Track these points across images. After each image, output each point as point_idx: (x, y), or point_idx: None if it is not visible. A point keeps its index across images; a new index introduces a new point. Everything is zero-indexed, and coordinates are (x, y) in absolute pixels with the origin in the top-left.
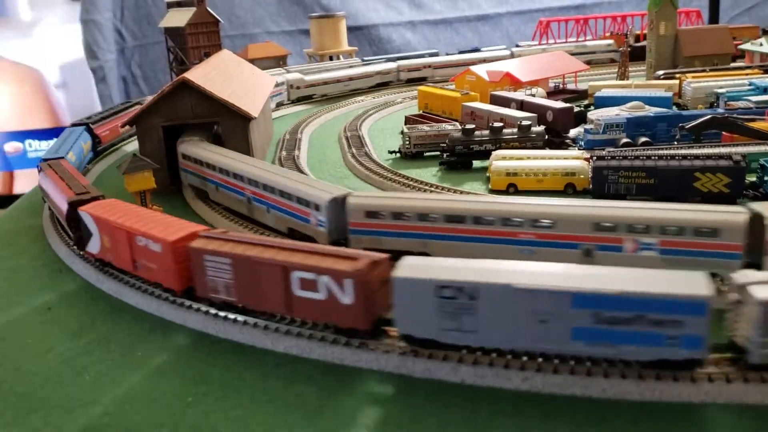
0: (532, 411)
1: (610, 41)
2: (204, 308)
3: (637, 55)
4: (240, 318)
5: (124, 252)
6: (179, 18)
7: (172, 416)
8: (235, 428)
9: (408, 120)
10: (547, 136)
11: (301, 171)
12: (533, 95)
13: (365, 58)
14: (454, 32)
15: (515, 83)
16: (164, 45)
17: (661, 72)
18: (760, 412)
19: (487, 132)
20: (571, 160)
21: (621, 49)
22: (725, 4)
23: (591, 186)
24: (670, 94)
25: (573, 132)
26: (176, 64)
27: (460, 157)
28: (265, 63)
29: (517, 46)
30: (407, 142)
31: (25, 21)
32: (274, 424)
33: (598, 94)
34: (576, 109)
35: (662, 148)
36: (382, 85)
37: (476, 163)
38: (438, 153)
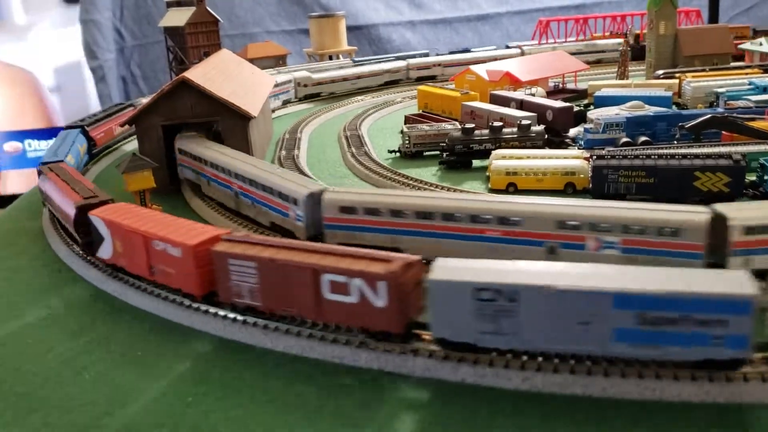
0: (532, 411)
1: (621, 40)
2: (204, 308)
3: (639, 55)
4: (240, 317)
5: (139, 257)
6: (179, 17)
7: (172, 416)
8: (235, 428)
9: (408, 119)
10: (546, 136)
11: (300, 170)
12: (533, 95)
13: (356, 59)
14: (454, 32)
15: (515, 83)
16: (164, 44)
17: (660, 71)
18: None
19: (486, 131)
20: (571, 159)
21: (621, 48)
22: (725, 3)
23: (591, 185)
24: (669, 93)
25: (573, 131)
26: (176, 63)
27: (460, 157)
28: (265, 62)
29: (507, 47)
30: (407, 142)
31: (20, 25)
32: (274, 424)
33: (597, 93)
34: (576, 109)
35: (662, 148)
36: (391, 83)
37: (476, 163)
38: (438, 152)
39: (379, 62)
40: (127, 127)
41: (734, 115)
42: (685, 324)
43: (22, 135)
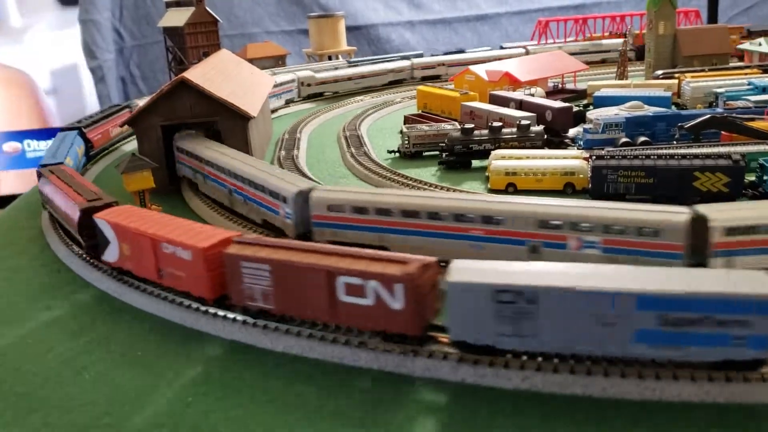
0: (532, 411)
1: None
2: (203, 308)
3: (643, 56)
4: (239, 317)
5: (147, 260)
6: (178, 18)
7: (172, 416)
8: (235, 428)
9: (407, 119)
10: (546, 136)
11: (300, 170)
12: (532, 95)
13: (350, 60)
14: (453, 32)
15: (514, 83)
16: (163, 45)
17: (660, 72)
18: None
19: (486, 131)
20: (571, 159)
21: (620, 49)
22: (724, 4)
23: (590, 185)
24: (669, 93)
25: (572, 131)
26: (175, 63)
27: (459, 157)
28: (264, 63)
29: (502, 47)
30: (406, 142)
31: (16, 27)
32: (274, 424)
33: (597, 93)
34: (575, 109)
35: (661, 148)
36: (395, 83)
37: (475, 163)
38: (437, 152)
39: (375, 63)
40: (124, 128)
41: (733, 115)
42: (707, 325)
43: (21, 135)
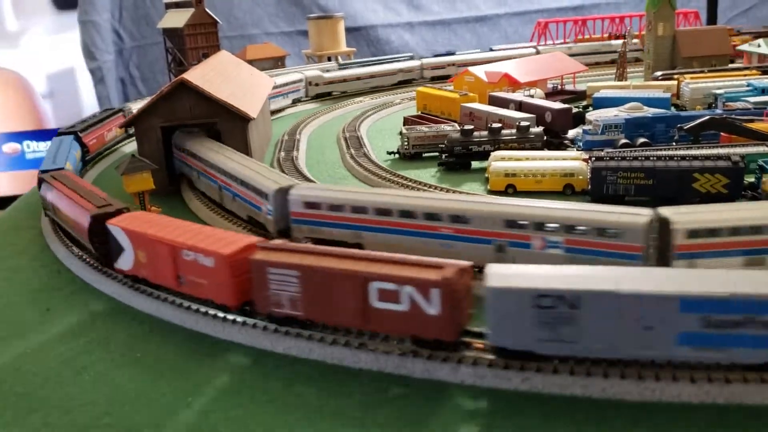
0: (532, 411)
1: (635, 40)
2: (203, 310)
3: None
4: (239, 319)
5: (165, 267)
6: (178, 19)
7: (171, 417)
8: (235, 428)
9: (406, 121)
10: (545, 137)
11: (300, 172)
12: (532, 96)
13: (342, 63)
14: (453, 33)
15: (513, 84)
16: (163, 46)
17: (659, 73)
18: None
19: (485, 133)
20: (570, 160)
21: (620, 50)
22: (723, 5)
23: (589, 187)
24: (668, 95)
25: (571, 133)
26: (175, 65)
27: (459, 158)
28: (264, 64)
29: (491, 50)
30: (406, 143)
31: (11, 31)
32: (274, 425)
33: (596, 95)
34: (574, 110)
35: (661, 149)
36: (405, 82)
37: (475, 164)
38: (437, 154)
39: (364, 65)
40: (119, 132)
41: (733, 116)
42: (750, 326)
43: (20, 136)
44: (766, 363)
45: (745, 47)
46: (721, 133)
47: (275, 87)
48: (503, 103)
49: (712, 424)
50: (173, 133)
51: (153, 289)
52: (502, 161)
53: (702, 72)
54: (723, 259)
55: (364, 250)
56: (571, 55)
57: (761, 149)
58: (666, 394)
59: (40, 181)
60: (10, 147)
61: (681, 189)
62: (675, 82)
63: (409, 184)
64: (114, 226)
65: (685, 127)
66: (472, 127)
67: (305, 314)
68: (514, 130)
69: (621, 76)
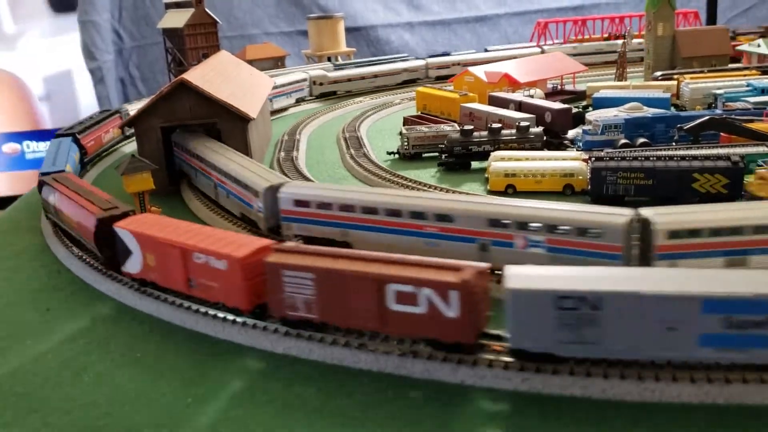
0: (531, 411)
1: (641, 40)
2: (202, 310)
3: None
4: (239, 319)
5: (175, 270)
6: (177, 19)
7: (171, 417)
8: (234, 428)
9: (406, 121)
10: (545, 137)
11: (299, 172)
12: (531, 96)
13: (336, 63)
14: (453, 33)
15: (513, 84)
16: (162, 46)
17: (659, 73)
18: None
19: (485, 133)
20: (570, 161)
21: (620, 50)
22: (723, 5)
23: (589, 187)
24: (668, 95)
25: (571, 133)
26: (174, 65)
27: (459, 158)
28: (264, 64)
29: (486, 50)
30: (405, 143)
31: (9, 34)
32: (274, 425)
33: (596, 95)
34: (574, 110)
35: (661, 149)
36: (409, 82)
37: (475, 164)
38: (436, 154)
39: (359, 66)
40: (116, 133)
41: (732, 116)
42: None
43: (20, 136)
44: None
45: (745, 47)
46: (721, 134)
47: (279, 86)
48: (503, 103)
49: (711, 425)
50: (173, 133)
51: (159, 291)
52: (501, 161)
53: (702, 72)
54: (704, 259)
55: (352, 248)
56: (576, 55)
57: (761, 149)
58: (666, 395)
59: (41, 184)
60: (10, 147)
61: (681, 189)
62: (675, 83)
63: (409, 184)
64: (122, 229)
65: (685, 128)
66: (471, 127)
67: (320, 317)
68: (513, 131)
69: (621, 77)
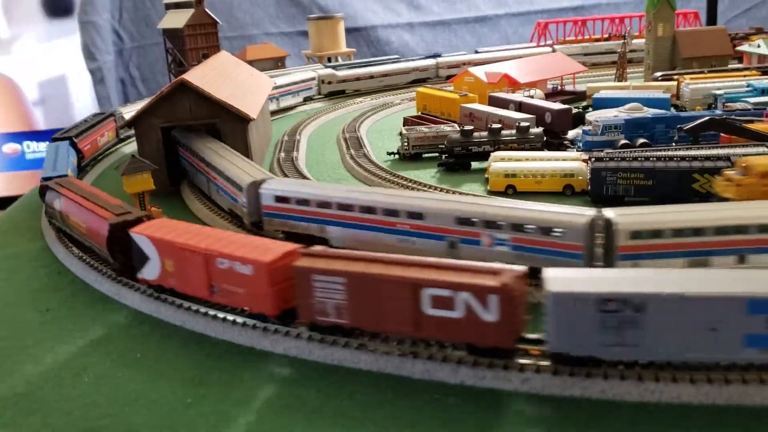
0: (531, 412)
1: (641, 40)
2: (202, 310)
3: None
4: (239, 319)
5: (197, 276)
6: (178, 19)
7: (171, 417)
8: (234, 429)
9: (406, 121)
10: (545, 138)
11: (300, 172)
12: (531, 96)
13: (327, 64)
14: (453, 34)
15: (513, 84)
16: (163, 46)
17: (659, 73)
18: None
19: (485, 133)
20: (570, 161)
21: (620, 50)
22: (723, 5)
23: (589, 187)
24: (668, 95)
25: (571, 133)
26: (175, 65)
27: (459, 159)
28: (264, 64)
29: (477, 52)
30: (405, 144)
31: (3, 38)
32: (274, 425)
33: (596, 95)
34: (574, 111)
35: (660, 150)
36: (419, 81)
37: (475, 165)
38: (436, 154)
39: (352, 67)
40: (111, 137)
41: (732, 117)
42: None
43: (20, 137)
44: None
45: (745, 47)
46: (721, 134)
47: (287, 85)
48: (503, 103)
49: (711, 425)
50: (172, 131)
51: (176, 297)
52: (501, 162)
53: (702, 72)
54: (666, 260)
55: (329, 244)
56: (586, 54)
57: (761, 150)
58: (665, 396)
59: (44, 189)
60: (10, 147)
61: (680, 189)
62: (675, 83)
63: (409, 184)
64: (138, 234)
65: (685, 128)
66: (471, 127)
67: (351, 322)
68: (513, 131)
69: (621, 77)
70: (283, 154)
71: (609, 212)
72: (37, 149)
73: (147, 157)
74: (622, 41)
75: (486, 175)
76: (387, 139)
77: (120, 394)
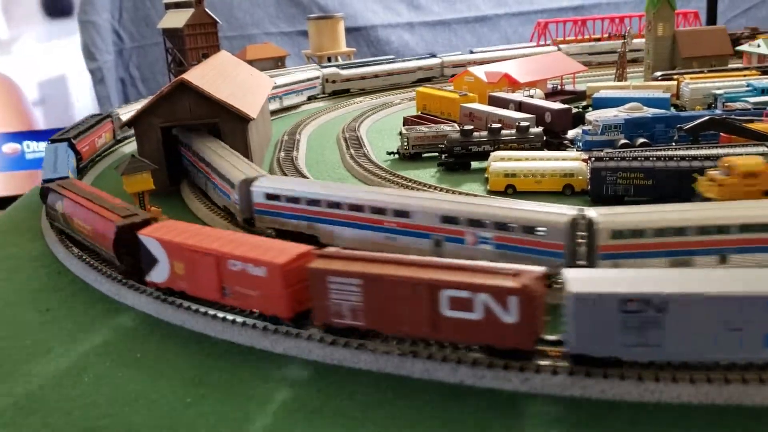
0: (531, 412)
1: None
2: (202, 310)
3: None
4: (239, 319)
5: (208, 278)
6: (177, 19)
7: (171, 417)
8: (234, 429)
9: (406, 121)
10: (545, 137)
11: (299, 172)
12: (531, 96)
13: (327, 64)
14: (452, 34)
15: (513, 84)
16: (162, 46)
17: (659, 73)
18: None
19: (485, 133)
20: (570, 161)
21: (620, 50)
22: (723, 5)
23: (589, 187)
24: (668, 95)
25: (571, 133)
26: (175, 65)
27: (459, 159)
28: (264, 64)
29: (471, 52)
30: (405, 143)
31: (2, 39)
32: (274, 425)
33: (596, 95)
34: (574, 110)
35: (660, 149)
36: (424, 80)
37: (475, 164)
38: (436, 154)
39: (346, 68)
40: (108, 138)
41: (732, 116)
42: None
43: (20, 136)
44: None
45: (745, 47)
46: (721, 134)
47: (291, 83)
48: (503, 103)
49: (711, 425)
50: (172, 131)
51: (187, 300)
52: (501, 161)
53: (702, 72)
54: (647, 260)
55: (318, 242)
56: (593, 53)
57: (761, 149)
58: (665, 396)
59: (46, 191)
60: (10, 147)
61: (680, 189)
62: (674, 83)
63: (409, 184)
64: (147, 237)
65: (685, 128)
66: (471, 127)
67: (367, 324)
68: (513, 131)
69: (621, 77)
70: (282, 154)
71: (591, 212)
72: (37, 149)
73: (147, 157)
74: (622, 41)
75: (486, 175)
76: (387, 138)
77: (120, 394)
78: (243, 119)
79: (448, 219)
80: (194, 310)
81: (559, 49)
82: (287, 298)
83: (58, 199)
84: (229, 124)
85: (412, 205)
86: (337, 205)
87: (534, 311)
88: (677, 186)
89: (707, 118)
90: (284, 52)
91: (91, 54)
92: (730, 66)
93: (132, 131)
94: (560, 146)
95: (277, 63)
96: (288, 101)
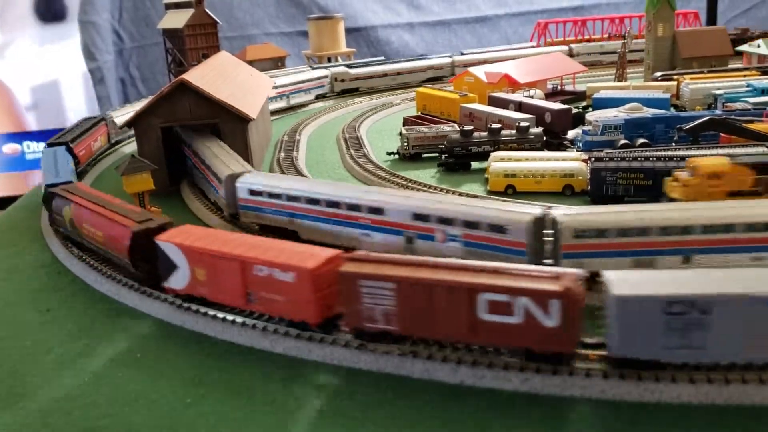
0: (531, 412)
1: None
2: (202, 310)
3: None
4: (239, 319)
5: (232, 284)
6: (177, 19)
7: (171, 417)
8: (234, 429)
9: (406, 121)
10: (545, 138)
11: (299, 172)
12: (531, 96)
13: (315, 66)
14: (453, 34)
15: (513, 84)
16: (162, 46)
17: (659, 73)
18: None
19: (485, 133)
20: (570, 161)
21: (620, 50)
22: (723, 5)
23: (589, 187)
24: (668, 95)
25: (571, 133)
26: (174, 65)
27: (459, 159)
28: (264, 64)
29: (462, 53)
30: (405, 144)
31: None
32: (274, 426)
33: (596, 95)
34: (574, 111)
35: (660, 150)
36: (434, 79)
37: (475, 165)
38: (436, 154)
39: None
40: (103, 142)
41: (732, 117)
42: None
43: (20, 137)
44: None
45: (745, 47)
46: (721, 134)
47: (298, 82)
48: (503, 103)
49: (711, 425)
50: (173, 130)
51: (205, 306)
52: (501, 162)
53: (702, 72)
54: (610, 259)
55: (299, 237)
56: (603, 53)
57: (761, 150)
58: (665, 396)
59: (50, 196)
60: (11, 148)
61: None
62: (674, 83)
63: (408, 184)
64: (166, 242)
65: (685, 128)
66: (471, 127)
67: (401, 329)
68: (513, 131)
69: (621, 77)
70: (283, 154)
71: (555, 210)
72: (36, 149)
73: (147, 157)
74: (622, 41)
75: (486, 175)
76: (387, 139)
77: (120, 394)
78: (243, 119)
79: (420, 216)
80: (194, 311)
81: (570, 50)
82: (316, 303)
83: (64, 204)
84: (229, 124)
85: (386, 201)
86: (315, 201)
87: (575, 314)
88: None
89: (707, 118)
90: (284, 52)
91: (91, 54)
92: (730, 66)
93: (127, 134)
94: (560, 146)
95: (277, 63)
96: (295, 100)
